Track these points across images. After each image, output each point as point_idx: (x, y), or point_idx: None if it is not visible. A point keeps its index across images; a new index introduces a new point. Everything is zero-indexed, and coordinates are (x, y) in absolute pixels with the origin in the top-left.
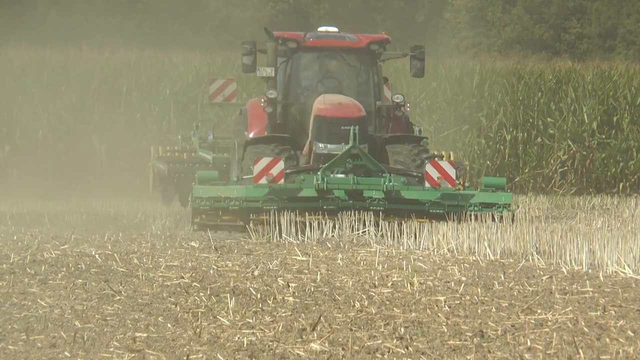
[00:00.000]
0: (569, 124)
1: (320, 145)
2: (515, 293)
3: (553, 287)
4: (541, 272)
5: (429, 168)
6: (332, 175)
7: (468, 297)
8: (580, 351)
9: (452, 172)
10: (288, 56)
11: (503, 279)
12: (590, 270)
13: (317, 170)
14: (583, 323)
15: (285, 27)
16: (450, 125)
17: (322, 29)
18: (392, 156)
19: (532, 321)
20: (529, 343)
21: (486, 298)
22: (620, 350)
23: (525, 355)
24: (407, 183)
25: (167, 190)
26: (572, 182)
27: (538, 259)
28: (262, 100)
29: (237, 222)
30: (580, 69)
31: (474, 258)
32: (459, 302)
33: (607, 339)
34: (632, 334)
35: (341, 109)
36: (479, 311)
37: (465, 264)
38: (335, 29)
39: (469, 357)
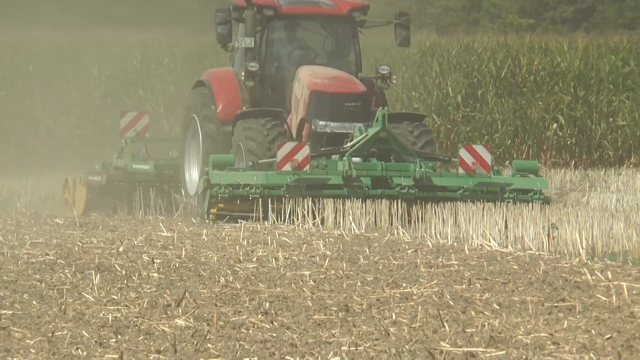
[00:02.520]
0: (433, 97)
1: (321, 123)
2: (380, 267)
3: (418, 260)
4: (406, 246)
5: (463, 153)
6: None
7: (333, 272)
8: (446, 324)
9: (487, 157)
10: (263, 25)
11: (368, 253)
12: (455, 244)
13: (336, 153)
14: (448, 296)
15: None
16: None
17: None
18: None
19: (398, 295)
20: (394, 317)
21: (351, 272)
22: (486, 323)
23: (391, 328)
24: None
25: (105, 201)
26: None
27: (403, 232)
28: (242, 72)
29: (254, 212)
30: (445, 42)
31: (339, 232)
32: (324, 276)
33: (473, 312)
34: (498, 307)
35: (341, 83)
36: (344, 285)
37: (330, 239)
38: None
39: (334, 332)
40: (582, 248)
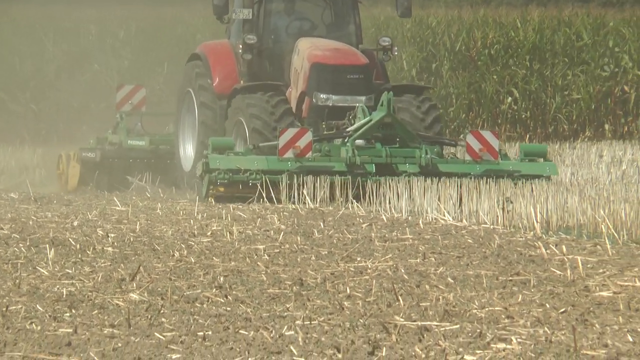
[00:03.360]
0: (388, 71)
1: (322, 96)
2: (334, 241)
3: (373, 234)
4: (361, 220)
5: (470, 139)
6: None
7: (287, 246)
8: (400, 298)
9: (494, 143)
10: None
11: (323, 227)
12: (410, 218)
13: (339, 137)
14: (403, 270)
15: None
16: None
17: None
18: (398, 113)
19: (352, 269)
20: (348, 291)
21: (306, 246)
22: (440, 297)
23: (345, 302)
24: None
25: (100, 178)
26: None
27: (358, 206)
28: (240, 45)
29: (255, 195)
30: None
31: (294, 206)
32: (278, 250)
33: (427, 286)
34: (452, 281)
35: (343, 55)
36: (299, 259)
37: (284, 213)
38: None
39: (288, 306)
40: (537, 222)
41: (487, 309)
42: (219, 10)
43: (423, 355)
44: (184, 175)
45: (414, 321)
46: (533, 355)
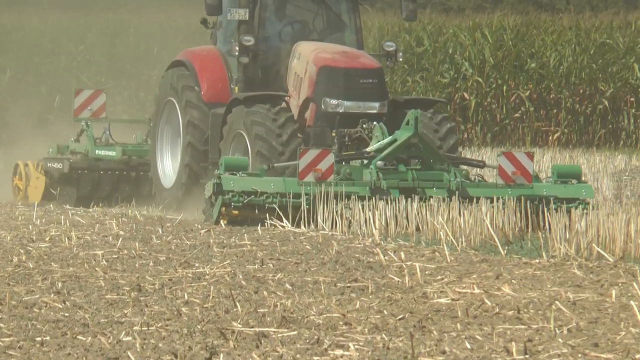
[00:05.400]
0: None
1: (333, 102)
2: (173, 247)
3: (211, 240)
4: (199, 226)
5: (502, 161)
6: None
7: (126, 252)
8: (238, 304)
9: (529, 166)
10: None
11: (161, 232)
12: (247, 225)
13: (359, 158)
14: (241, 276)
15: None
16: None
17: None
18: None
19: (190, 275)
20: (186, 297)
21: (144, 252)
22: (278, 303)
23: (183, 308)
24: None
25: (65, 190)
26: None
27: (197, 213)
28: (236, 48)
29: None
30: None
31: (132, 213)
32: (116, 256)
33: (265, 292)
34: (290, 287)
35: (353, 58)
36: (137, 265)
37: (123, 219)
38: None
39: (126, 311)
40: (375, 228)
41: (325, 315)
42: (212, 9)
43: None
44: (164, 192)
45: (252, 327)
46: None
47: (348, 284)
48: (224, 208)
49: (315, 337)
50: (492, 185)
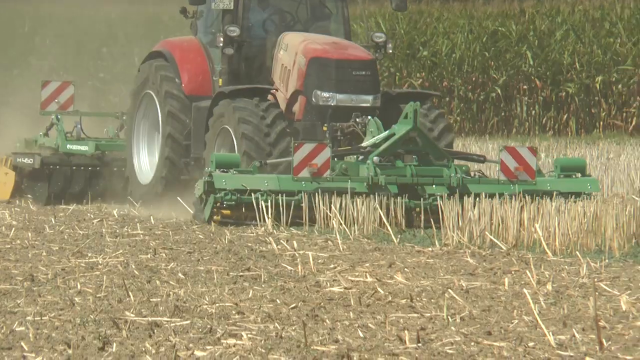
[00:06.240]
0: None
1: (324, 95)
2: (66, 237)
3: (104, 230)
4: (92, 216)
5: (505, 156)
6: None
7: (19, 242)
8: (131, 294)
9: (532, 162)
10: None
11: (54, 222)
12: (140, 214)
13: (356, 153)
14: (134, 266)
15: None
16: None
17: None
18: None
19: (83, 265)
20: (79, 286)
21: (37, 242)
22: (171, 293)
23: (76, 298)
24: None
25: (37, 187)
26: None
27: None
28: (220, 39)
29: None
30: None
31: (25, 203)
32: (9, 246)
33: (158, 282)
34: (183, 276)
35: (345, 49)
36: (30, 255)
37: (16, 209)
38: None
39: (19, 302)
40: (269, 217)
41: (217, 304)
42: None
43: (153, 351)
44: (140, 189)
45: (145, 317)
46: (263, 350)
47: (241, 273)
48: (217, 205)
49: (208, 326)
50: (495, 182)
